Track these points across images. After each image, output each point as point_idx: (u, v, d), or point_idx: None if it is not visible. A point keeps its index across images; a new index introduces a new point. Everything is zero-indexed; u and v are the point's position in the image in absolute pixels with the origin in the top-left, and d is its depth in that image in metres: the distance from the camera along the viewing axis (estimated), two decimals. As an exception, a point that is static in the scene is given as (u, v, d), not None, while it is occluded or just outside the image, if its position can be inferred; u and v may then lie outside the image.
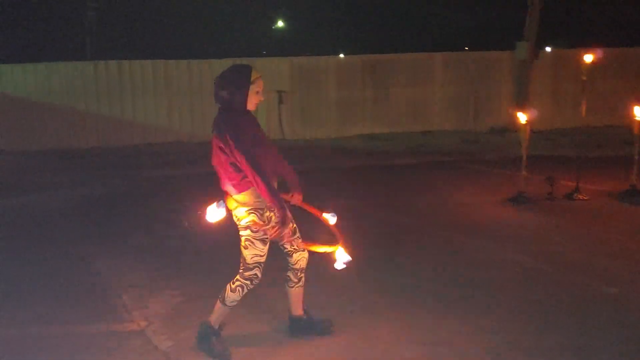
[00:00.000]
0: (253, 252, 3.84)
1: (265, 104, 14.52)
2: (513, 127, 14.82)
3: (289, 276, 4.09)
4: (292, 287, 4.11)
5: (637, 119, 8.04)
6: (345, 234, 4.22)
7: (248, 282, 3.88)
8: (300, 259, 4.05)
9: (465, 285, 5.14)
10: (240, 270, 3.90)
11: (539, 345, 4.05)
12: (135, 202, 8.79)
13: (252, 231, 3.82)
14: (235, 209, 3.85)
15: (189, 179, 10.18)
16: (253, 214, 3.81)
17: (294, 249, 4.01)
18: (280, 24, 41.09)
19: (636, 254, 5.89)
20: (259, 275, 3.89)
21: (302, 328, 4.20)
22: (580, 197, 7.96)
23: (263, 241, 3.86)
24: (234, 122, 3.77)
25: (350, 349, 4.07)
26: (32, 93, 13.93)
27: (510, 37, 16.38)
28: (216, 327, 3.99)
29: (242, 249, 3.87)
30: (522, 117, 7.98)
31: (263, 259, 3.89)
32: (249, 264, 3.86)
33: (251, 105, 3.85)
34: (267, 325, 4.43)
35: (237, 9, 32.22)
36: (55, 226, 7.48)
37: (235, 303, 3.93)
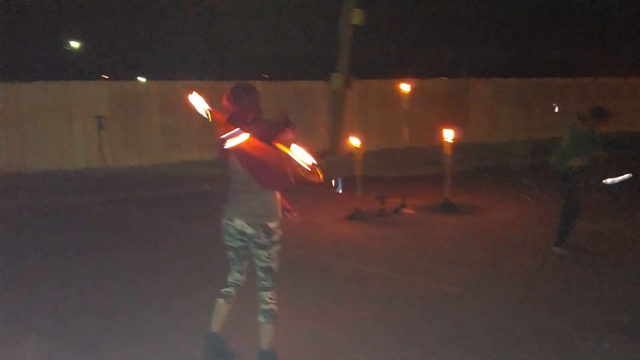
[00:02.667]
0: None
1: (83, 130, 13.77)
2: (332, 151, 16.02)
3: (231, 292, 4.17)
4: (231, 303, 4.19)
5: (446, 140, 9.32)
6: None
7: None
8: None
9: (325, 297, 5.57)
10: (269, 285, 4.05)
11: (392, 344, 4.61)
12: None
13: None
14: (275, 226, 4.03)
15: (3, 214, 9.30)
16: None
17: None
18: (74, 44, 38.81)
19: (463, 257, 6.87)
20: None
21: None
22: (407, 211, 8.98)
23: None
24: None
25: None
26: None
27: (324, 69, 17.64)
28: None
29: (272, 264, 4.05)
30: (355, 141, 8.77)
31: None
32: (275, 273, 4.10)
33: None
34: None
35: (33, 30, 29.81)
36: None
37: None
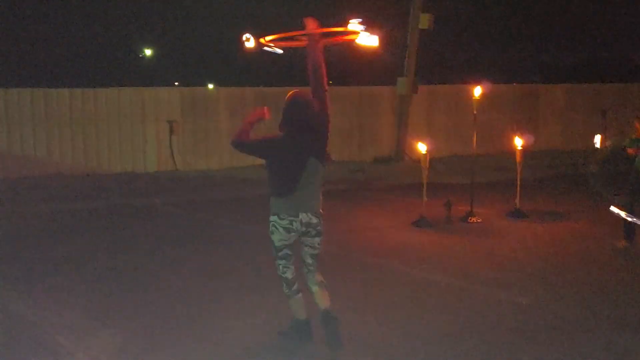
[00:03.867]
0: None
1: (155, 134, 14.26)
2: (396, 156, 15.88)
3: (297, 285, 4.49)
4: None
5: (517, 148, 9.06)
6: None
7: None
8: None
9: (396, 305, 5.50)
10: (315, 268, 4.44)
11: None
12: (30, 239, 8.22)
13: None
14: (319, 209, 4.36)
15: (75, 214, 9.76)
16: None
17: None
18: (148, 52, 40.31)
19: (533, 266, 6.63)
20: None
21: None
22: (475, 219, 8.77)
23: None
24: None
25: None
26: None
27: (388, 74, 17.50)
28: None
29: (319, 249, 4.42)
30: (422, 148, 8.65)
31: None
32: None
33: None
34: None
35: (109, 37, 31.20)
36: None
37: None
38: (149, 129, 14.24)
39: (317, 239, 4.36)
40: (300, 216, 4.26)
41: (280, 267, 4.39)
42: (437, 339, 4.72)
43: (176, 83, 30.24)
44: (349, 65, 24.22)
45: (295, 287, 4.42)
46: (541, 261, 6.83)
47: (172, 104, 14.47)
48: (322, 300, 4.40)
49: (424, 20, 15.15)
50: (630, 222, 6.59)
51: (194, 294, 5.83)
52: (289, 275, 4.40)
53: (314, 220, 4.30)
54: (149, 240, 8.09)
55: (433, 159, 15.49)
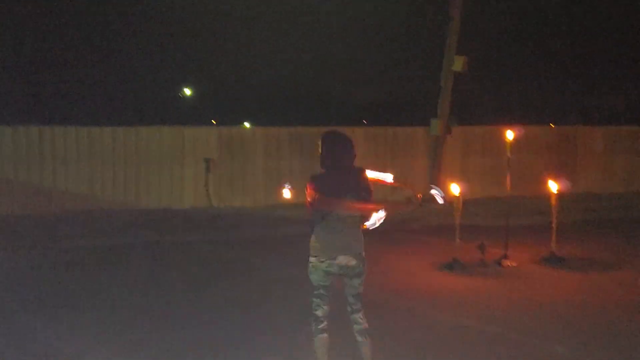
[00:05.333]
0: None
1: (193, 171, 14.57)
2: (431, 198, 15.79)
3: (326, 325, 4.50)
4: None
5: (552, 191, 8.95)
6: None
7: None
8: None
9: (426, 350, 5.43)
10: (359, 307, 4.50)
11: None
12: (68, 273, 8.44)
13: None
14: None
15: (112, 249, 9.96)
16: None
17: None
18: (187, 92, 41.41)
19: (570, 315, 6.48)
20: None
21: None
22: (509, 263, 8.63)
23: None
24: None
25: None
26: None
27: (418, 113, 17.54)
28: None
29: (362, 289, 4.49)
30: (455, 189, 8.63)
31: None
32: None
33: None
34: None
35: (149, 76, 32.27)
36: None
37: None
38: (187, 166, 14.56)
39: (356, 280, 4.42)
40: (338, 259, 4.33)
41: (313, 304, 4.46)
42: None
43: (213, 121, 30.94)
44: (383, 106, 24.47)
45: (322, 325, 4.43)
46: (578, 310, 6.67)
47: (210, 143, 14.80)
48: (366, 353, 4.43)
49: (458, 63, 15.25)
50: None
51: (222, 330, 5.87)
52: (319, 313, 4.43)
53: (353, 262, 4.36)
54: (183, 277, 8.20)
55: (467, 201, 15.45)
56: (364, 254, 4.44)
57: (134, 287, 7.58)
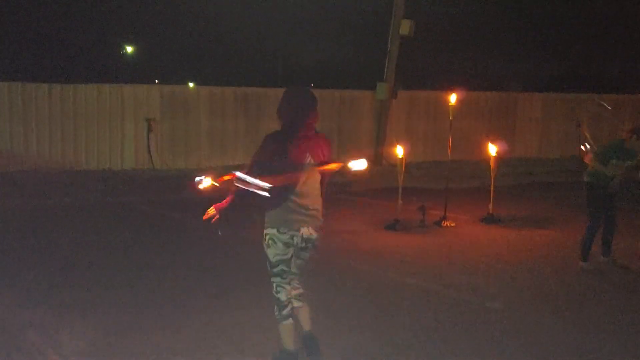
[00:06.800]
0: None
1: (133, 132, 14.17)
2: (374, 160, 15.97)
3: (290, 310, 4.11)
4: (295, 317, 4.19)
5: (491, 155, 9.19)
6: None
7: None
8: None
9: (368, 306, 5.56)
10: (298, 274, 4.16)
11: None
12: (8, 235, 8.13)
13: None
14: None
15: (49, 210, 9.64)
16: None
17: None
18: (129, 49, 40.01)
19: (504, 272, 6.75)
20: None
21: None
22: (448, 223, 8.88)
23: None
24: None
25: None
26: None
27: (365, 77, 17.54)
28: None
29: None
30: (399, 151, 8.75)
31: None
32: None
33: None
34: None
35: (88, 34, 30.94)
36: None
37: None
38: (127, 127, 14.14)
39: (309, 253, 4.10)
40: (301, 231, 3.97)
41: (275, 284, 4.03)
42: (406, 344, 4.78)
43: (156, 81, 30.04)
44: (330, 69, 24.35)
45: (286, 311, 4.04)
46: (512, 267, 6.95)
47: (151, 102, 14.38)
48: (304, 319, 4.16)
49: (405, 26, 15.28)
50: (584, 241, 6.73)
51: (164, 294, 5.83)
52: (282, 296, 4.02)
53: (314, 236, 4.03)
54: (119, 239, 8.05)
55: (411, 164, 15.74)
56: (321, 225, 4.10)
57: (60, 248, 7.39)
